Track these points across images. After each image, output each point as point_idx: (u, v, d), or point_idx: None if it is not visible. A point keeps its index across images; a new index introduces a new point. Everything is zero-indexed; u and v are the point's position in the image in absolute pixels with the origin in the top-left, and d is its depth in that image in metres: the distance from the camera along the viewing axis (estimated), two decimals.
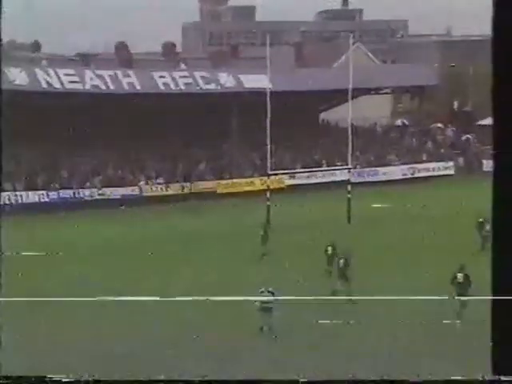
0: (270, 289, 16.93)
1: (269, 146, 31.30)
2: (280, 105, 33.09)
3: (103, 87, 38.31)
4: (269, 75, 32.61)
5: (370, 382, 4.90)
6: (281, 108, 33.43)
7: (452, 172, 45.01)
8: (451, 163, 45.50)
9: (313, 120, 48.05)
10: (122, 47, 50.55)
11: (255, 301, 16.65)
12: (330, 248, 21.89)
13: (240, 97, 39.99)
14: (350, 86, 32.84)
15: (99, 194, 37.44)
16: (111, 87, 38.48)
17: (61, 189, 36.71)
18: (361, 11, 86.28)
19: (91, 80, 38.14)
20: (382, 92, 49.61)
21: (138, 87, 39.16)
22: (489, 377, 3.84)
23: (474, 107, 55.12)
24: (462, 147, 48.46)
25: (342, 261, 20.02)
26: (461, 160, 46.34)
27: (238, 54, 53.06)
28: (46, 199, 35.94)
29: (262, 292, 16.86)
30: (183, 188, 38.34)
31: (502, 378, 3.80)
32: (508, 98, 3.78)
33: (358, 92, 39.42)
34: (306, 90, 41.60)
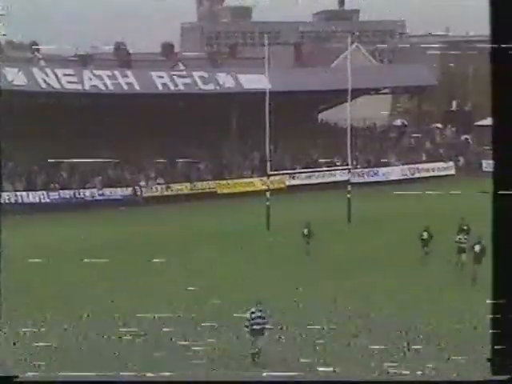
0: (261, 308, 14.81)
1: (268, 147, 31.24)
2: (279, 105, 33.02)
3: (102, 87, 38.22)
4: (267, 75, 32.55)
5: (370, 382, 4.85)
6: (280, 108, 33.37)
7: (452, 172, 44.99)
8: (451, 163, 45.49)
9: (312, 120, 48.02)
10: (120, 47, 50.58)
11: (245, 325, 14.68)
12: (425, 233, 22.82)
13: (239, 97, 39.95)
14: (349, 87, 32.78)
15: (99, 195, 37.36)
16: (110, 87, 38.40)
17: (61, 189, 36.62)
18: (358, 12, 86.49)
19: (90, 80, 38.06)
20: (380, 92, 49.60)
21: (137, 87, 39.08)
22: (489, 377, 3.79)
23: (473, 107, 55.18)
24: (461, 147, 48.47)
25: (477, 246, 20.31)
26: (460, 160, 46.33)
27: (237, 54, 53.05)
28: (47, 200, 35.89)
29: (253, 313, 14.72)
30: (189, 187, 38.65)
31: (503, 378, 3.74)
32: (508, 99, 3.71)
33: (357, 92, 39.40)
34: (304, 90, 41.57)
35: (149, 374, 13.15)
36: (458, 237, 22.09)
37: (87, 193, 37.14)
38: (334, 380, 4.23)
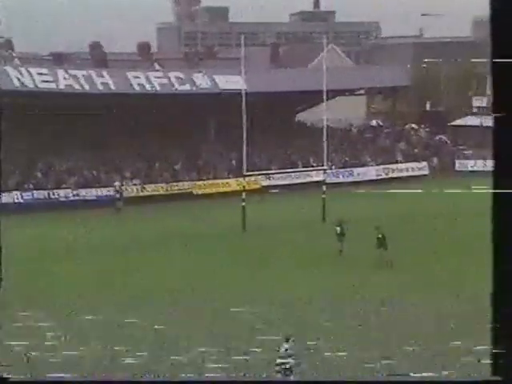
0: (291, 340, 12.93)
1: (245, 147, 31.36)
2: (255, 106, 33.16)
3: (77, 87, 37.99)
4: (244, 76, 32.65)
5: (370, 382, 4.92)
6: (256, 109, 33.51)
7: (426, 172, 45.52)
8: (424, 163, 46.03)
9: (288, 121, 48.25)
10: (96, 47, 50.22)
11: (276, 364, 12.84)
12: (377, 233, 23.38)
13: (215, 97, 40.00)
14: (325, 87, 33.04)
15: (74, 195, 37.14)
16: (85, 87, 38.19)
17: (35, 189, 36.35)
18: (333, 13, 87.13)
19: (65, 80, 37.81)
20: (356, 93, 50.01)
21: (113, 87, 38.92)
22: (488, 377, 3.86)
23: (447, 108, 55.91)
24: (435, 147, 49.08)
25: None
26: (434, 160, 46.90)
27: (213, 55, 53.06)
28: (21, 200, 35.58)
29: (286, 350, 12.84)
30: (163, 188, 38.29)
31: (503, 378, 3.80)
32: (508, 99, 3.79)
33: (333, 93, 39.70)
34: (281, 90, 41.76)
35: (148, 375, 13.11)
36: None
37: (62, 193, 36.90)
38: (334, 380, 4.29)
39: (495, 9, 3.73)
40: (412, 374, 12.33)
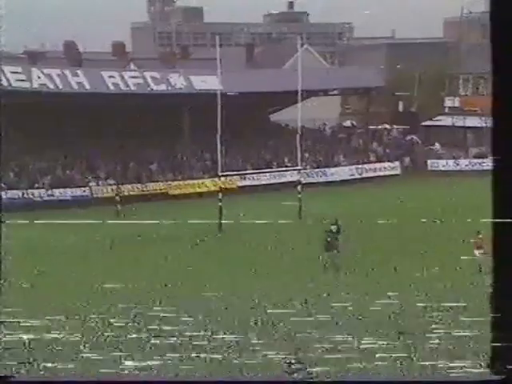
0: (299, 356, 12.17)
1: (219, 147, 31.53)
2: (231, 106, 33.38)
3: (51, 86, 37.82)
4: (219, 76, 32.84)
5: (370, 382, 5.06)
6: (231, 109, 33.72)
7: (398, 172, 46.16)
8: (397, 163, 46.68)
9: (263, 121, 48.53)
10: (70, 46, 49.94)
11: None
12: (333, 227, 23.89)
13: (191, 97, 40.11)
14: (299, 88, 33.39)
15: (48, 195, 36.97)
16: (59, 86, 38.03)
17: (8, 189, 36.10)
18: (307, 14, 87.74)
19: (39, 78, 37.61)
20: (330, 94, 50.50)
21: (87, 87, 38.82)
22: (487, 377, 3.94)
23: (419, 108, 56.73)
24: (407, 147, 49.80)
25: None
26: (406, 160, 47.58)
27: (189, 55, 53.13)
28: None
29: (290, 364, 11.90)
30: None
31: (502, 377, 3.88)
32: (507, 99, 3.89)
33: (308, 94, 40.10)
34: (256, 91, 42.04)
35: (148, 375, 13.14)
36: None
37: (35, 193, 36.70)
38: (334, 380, 4.36)
39: (495, 8, 3.85)
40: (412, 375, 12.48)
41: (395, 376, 12.06)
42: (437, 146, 49.85)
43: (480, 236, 21.78)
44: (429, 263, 21.80)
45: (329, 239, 22.99)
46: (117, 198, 34.80)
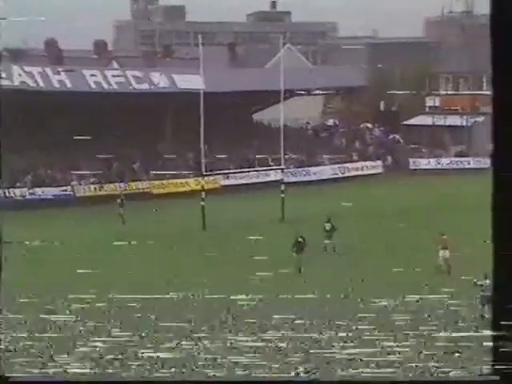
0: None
1: (202, 147, 31.55)
2: (213, 105, 33.41)
3: (32, 84, 37.55)
4: (202, 75, 32.85)
5: (370, 382, 5.11)
6: (214, 108, 33.75)
7: (379, 171, 46.47)
8: (379, 162, 46.98)
9: (246, 120, 48.58)
10: (51, 44, 49.56)
11: None
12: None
13: (174, 97, 40.06)
14: (282, 87, 33.49)
15: (30, 194, 36.71)
16: (41, 84, 37.78)
17: None
18: (290, 14, 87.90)
19: (20, 76, 37.33)
20: (313, 93, 50.67)
21: (69, 85, 38.61)
22: (488, 377, 3.97)
23: (400, 107, 57.13)
24: (389, 146, 50.14)
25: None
26: (388, 159, 47.92)
27: (171, 54, 52.99)
28: None
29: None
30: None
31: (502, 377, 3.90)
32: (507, 99, 3.88)
33: (290, 93, 40.22)
34: (239, 90, 42.07)
35: (148, 375, 13.15)
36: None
37: (17, 192, 36.44)
38: (334, 380, 4.37)
39: (495, 8, 3.86)
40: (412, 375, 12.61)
41: (395, 376, 12.11)
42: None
43: (444, 237, 22.22)
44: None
45: (300, 240, 22.91)
46: (119, 200, 32.72)
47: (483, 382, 4.05)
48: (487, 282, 16.94)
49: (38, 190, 36.97)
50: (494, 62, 3.75)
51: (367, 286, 19.96)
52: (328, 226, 25.21)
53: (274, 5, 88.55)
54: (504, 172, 3.83)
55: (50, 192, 37.25)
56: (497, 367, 3.91)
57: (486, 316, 16.44)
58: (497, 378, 3.83)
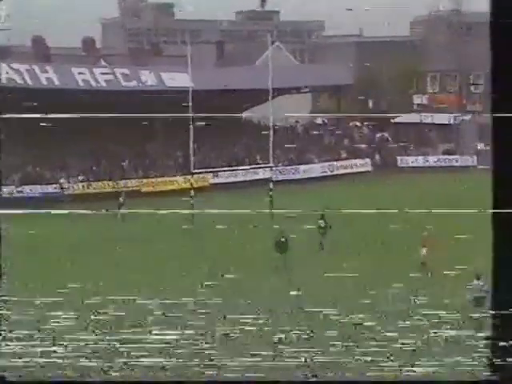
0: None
1: (191, 145, 31.55)
2: (202, 103, 33.40)
3: (20, 81, 37.36)
4: (190, 73, 32.85)
5: (370, 382, 5.07)
6: (203, 106, 33.73)
7: (369, 168, 46.66)
8: (368, 160, 47.17)
9: (235, 119, 48.57)
10: (38, 41, 49.31)
11: None
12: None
13: (162, 95, 39.99)
14: (270, 85, 33.54)
15: (18, 192, 36.52)
16: (28, 82, 37.60)
17: None
18: (278, 12, 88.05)
19: (7, 74, 37.12)
20: (301, 91, 50.77)
21: (57, 82, 38.45)
22: (488, 377, 3.97)
23: (388, 105, 57.40)
24: (377, 144, 50.36)
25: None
26: (376, 157, 48.12)
27: (159, 52, 52.90)
28: None
29: None
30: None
31: (502, 377, 3.89)
32: (507, 98, 3.90)
33: (279, 91, 40.25)
34: (227, 88, 42.08)
35: (147, 375, 13.09)
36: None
37: (5, 190, 36.22)
38: (334, 380, 4.32)
39: (496, 9, 3.89)
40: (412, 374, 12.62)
41: (395, 376, 12.15)
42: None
43: (425, 233, 22.47)
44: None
45: (282, 239, 22.84)
46: (121, 199, 31.97)
47: (483, 382, 4.03)
48: (480, 283, 17.02)
49: (26, 188, 36.79)
50: (494, 61, 3.78)
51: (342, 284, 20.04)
52: (322, 223, 25.36)
53: (263, 3, 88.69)
54: (504, 171, 3.85)
55: (38, 190, 37.07)
56: (496, 367, 3.90)
57: (480, 316, 16.55)
58: (497, 377, 3.85)
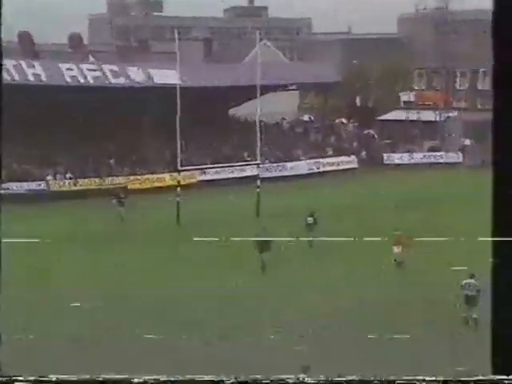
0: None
1: (179, 142, 31.61)
2: (190, 100, 33.48)
3: (6, 77, 37.18)
4: (178, 70, 32.90)
5: (370, 382, 5.20)
6: (191, 103, 33.82)
7: (355, 165, 46.91)
8: (353, 157, 47.42)
9: (223, 116, 48.67)
10: (25, 37, 49.07)
11: None
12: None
13: (150, 91, 40.00)
14: (258, 82, 33.67)
15: (4, 189, 36.37)
16: (15, 78, 37.46)
17: None
18: (266, 9, 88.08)
19: None
20: (289, 88, 50.91)
21: (44, 79, 38.35)
22: (489, 377, 3.96)
23: (375, 103, 57.71)
24: (364, 141, 50.65)
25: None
26: (363, 154, 48.39)
27: (148, 49, 52.84)
28: None
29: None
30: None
31: (502, 377, 3.92)
32: (507, 98, 3.91)
33: (266, 88, 40.39)
34: (215, 85, 42.14)
35: (147, 375, 13.16)
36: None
37: None
38: (334, 380, 4.38)
39: (497, 7, 3.86)
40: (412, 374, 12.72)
41: (395, 376, 12.19)
42: None
43: (398, 232, 22.67)
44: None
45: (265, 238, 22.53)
46: (122, 199, 30.96)
47: (483, 382, 4.00)
48: (472, 281, 17.16)
49: (12, 185, 36.65)
50: (496, 60, 3.80)
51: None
52: (310, 220, 25.52)
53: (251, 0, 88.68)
54: (504, 169, 3.86)
55: (24, 187, 36.97)
56: (495, 366, 3.89)
57: (474, 316, 16.76)
58: (496, 377, 3.86)
